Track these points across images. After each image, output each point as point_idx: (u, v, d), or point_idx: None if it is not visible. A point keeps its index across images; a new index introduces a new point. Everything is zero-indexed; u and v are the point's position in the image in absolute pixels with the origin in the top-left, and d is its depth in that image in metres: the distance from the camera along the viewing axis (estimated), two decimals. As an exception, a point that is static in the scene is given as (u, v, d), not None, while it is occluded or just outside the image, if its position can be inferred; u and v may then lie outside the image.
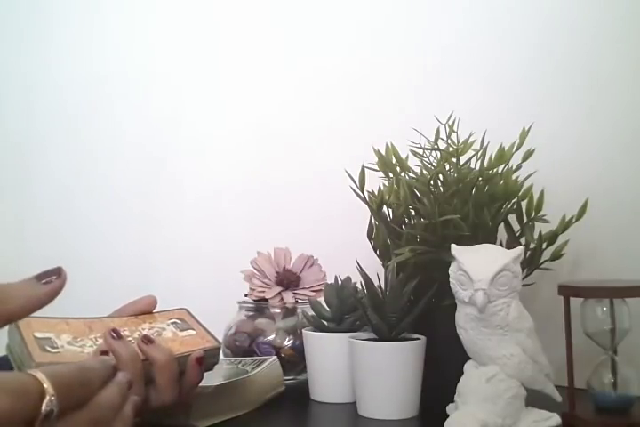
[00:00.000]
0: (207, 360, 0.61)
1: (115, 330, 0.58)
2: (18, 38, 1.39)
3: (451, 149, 0.75)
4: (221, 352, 0.85)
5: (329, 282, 0.81)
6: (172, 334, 0.64)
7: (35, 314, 0.61)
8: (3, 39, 1.40)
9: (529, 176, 0.76)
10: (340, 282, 0.79)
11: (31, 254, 1.32)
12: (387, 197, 0.78)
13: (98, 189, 1.29)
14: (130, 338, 0.61)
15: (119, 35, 1.29)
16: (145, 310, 0.67)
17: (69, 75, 1.33)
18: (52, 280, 0.42)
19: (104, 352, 0.55)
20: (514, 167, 0.75)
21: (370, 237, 0.82)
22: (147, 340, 0.59)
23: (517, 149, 0.75)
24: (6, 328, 0.60)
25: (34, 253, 1.32)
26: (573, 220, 0.74)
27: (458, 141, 0.75)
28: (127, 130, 1.28)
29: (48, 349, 0.56)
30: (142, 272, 1.20)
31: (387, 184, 0.80)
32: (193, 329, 0.66)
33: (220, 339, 0.86)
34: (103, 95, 1.30)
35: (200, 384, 0.62)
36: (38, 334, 0.57)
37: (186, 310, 0.70)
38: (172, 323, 0.66)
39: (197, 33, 1.21)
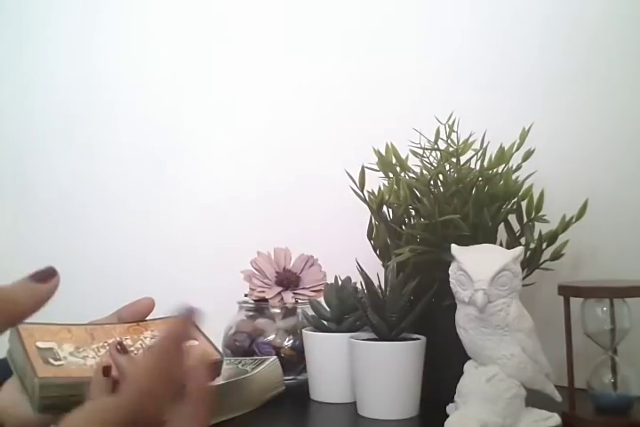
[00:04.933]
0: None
1: (121, 344, 0.58)
2: (15, 38, 1.39)
3: (451, 149, 0.75)
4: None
5: (329, 282, 0.81)
6: None
7: (37, 319, 0.62)
8: (0, 39, 1.40)
9: (529, 176, 0.76)
10: (340, 282, 0.79)
11: (29, 254, 1.31)
12: (387, 197, 0.78)
13: (96, 190, 1.29)
14: (132, 348, 0.60)
15: (119, 35, 1.29)
16: (143, 312, 0.66)
17: (68, 75, 1.33)
18: (48, 279, 0.42)
19: (107, 367, 0.55)
20: (514, 167, 0.75)
21: (370, 237, 0.82)
22: None
23: (517, 149, 0.75)
24: (6, 333, 0.60)
25: (31, 253, 1.31)
26: (573, 220, 0.74)
27: (458, 141, 0.75)
28: (127, 131, 1.28)
29: (51, 361, 0.55)
30: (142, 272, 1.20)
31: (387, 184, 0.80)
32: (195, 339, 0.66)
33: (220, 339, 0.86)
34: (102, 96, 1.30)
35: None
36: (40, 344, 0.57)
37: None
38: None
39: (199, 35, 1.20)
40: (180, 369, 0.44)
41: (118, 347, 0.57)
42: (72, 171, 1.31)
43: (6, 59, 1.39)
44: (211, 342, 0.66)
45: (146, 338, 0.63)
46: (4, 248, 1.33)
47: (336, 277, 0.79)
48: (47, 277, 0.42)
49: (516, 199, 0.76)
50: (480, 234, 0.72)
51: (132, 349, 0.60)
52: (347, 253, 0.80)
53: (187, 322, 0.46)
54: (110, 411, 0.40)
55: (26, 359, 0.54)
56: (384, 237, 0.80)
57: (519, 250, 0.62)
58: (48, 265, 0.43)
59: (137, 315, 0.66)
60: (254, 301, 0.87)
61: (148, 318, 0.67)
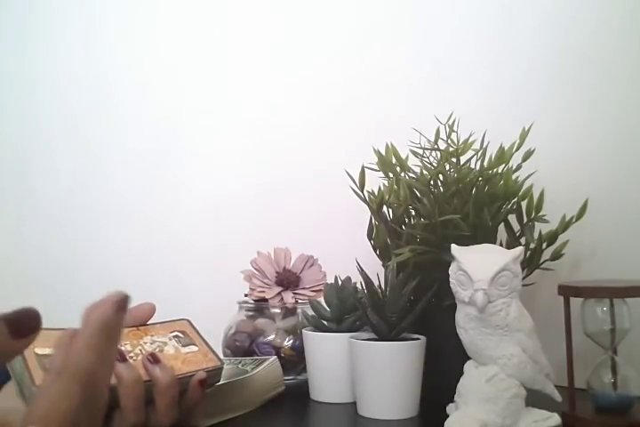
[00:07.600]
0: (209, 380, 0.61)
1: (120, 352, 0.57)
2: (19, 38, 1.39)
3: (451, 149, 0.75)
4: (221, 352, 0.85)
5: (329, 282, 0.81)
6: (175, 349, 0.63)
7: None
8: (3, 39, 1.40)
9: (529, 176, 0.76)
10: (339, 282, 0.79)
11: (32, 254, 1.32)
12: (387, 197, 0.78)
13: (99, 189, 1.29)
14: (131, 353, 0.60)
15: (121, 34, 1.29)
16: (143, 317, 0.66)
17: (71, 74, 1.33)
18: (28, 334, 0.34)
19: None
20: (514, 167, 0.75)
21: (370, 237, 0.82)
22: (153, 359, 0.58)
23: (517, 149, 0.75)
24: None
25: (34, 253, 1.32)
26: (573, 220, 0.74)
27: (458, 141, 0.75)
28: (128, 129, 1.28)
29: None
30: (143, 272, 1.20)
31: (387, 184, 0.80)
32: (195, 345, 0.65)
33: (220, 339, 0.86)
34: (105, 95, 1.30)
35: None
36: (39, 351, 0.57)
37: (187, 321, 0.69)
38: (174, 336, 0.66)
39: (200, 33, 1.21)
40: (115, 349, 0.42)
41: (117, 355, 0.57)
42: (75, 171, 1.32)
43: (10, 58, 1.39)
44: (210, 348, 0.65)
45: (145, 343, 0.63)
46: (8, 248, 1.33)
47: (336, 278, 0.79)
48: (28, 331, 0.34)
49: (515, 199, 0.76)
50: (480, 234, 0.72)
51: (131, 354, 0.60)
52: (347, 253, 0.80)
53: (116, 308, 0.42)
54: (65, 398, 0.37)
55: (24, 367, 0.54)
56: (384, 237, 0.80)
57: (519, 250, 0.62)
58: (30, 309, 0.35)
59: (137, 320, 0.66)
60: (254, 301, 0.87)
61: (148, 323, 0.67)
